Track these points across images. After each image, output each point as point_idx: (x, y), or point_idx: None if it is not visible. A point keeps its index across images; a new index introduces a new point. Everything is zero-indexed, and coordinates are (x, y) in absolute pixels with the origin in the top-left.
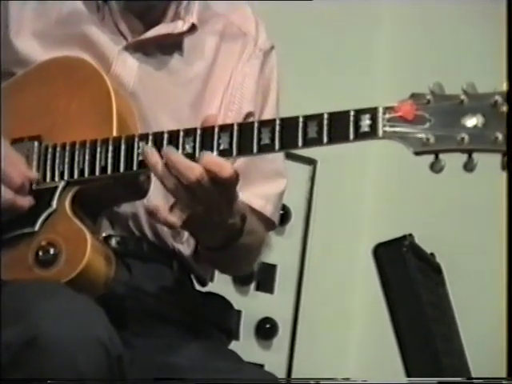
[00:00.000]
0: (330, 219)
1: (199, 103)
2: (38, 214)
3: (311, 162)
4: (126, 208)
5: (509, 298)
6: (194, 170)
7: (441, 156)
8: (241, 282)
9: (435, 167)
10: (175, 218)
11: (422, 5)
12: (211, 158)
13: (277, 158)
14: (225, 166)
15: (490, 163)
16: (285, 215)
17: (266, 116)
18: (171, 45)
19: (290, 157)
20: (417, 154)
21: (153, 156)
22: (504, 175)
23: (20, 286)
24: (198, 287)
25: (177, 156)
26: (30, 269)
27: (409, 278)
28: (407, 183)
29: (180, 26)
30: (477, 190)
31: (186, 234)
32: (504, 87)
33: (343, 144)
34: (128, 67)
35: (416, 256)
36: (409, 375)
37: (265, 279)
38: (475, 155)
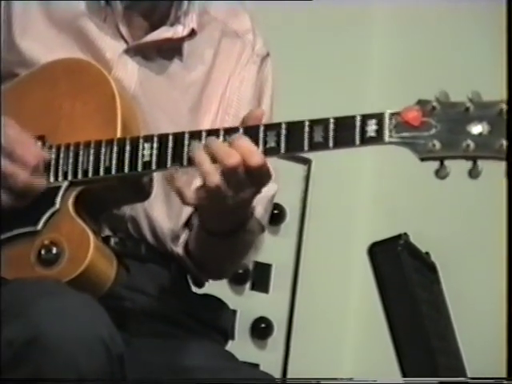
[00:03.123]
0: (325, 218)
1: (197, 107)
2: (41, 213)
3: (306, 161)
4: (124, 210)
5: (509, 297)
6: (233, 156)
7: (446, 163)
8: (236, 281)
9: (440, 174)
10: (193, 196)
11: (420, 5)
12: (244, 143)
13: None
14: (255, 154)
15: (487, 163)
16: (280, 214)
17: None
18: (171, 49)
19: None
20: (422, 160)
21: (201, 153)
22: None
23: (21, 284)
24: (194, 289)
25: (217, 142)
26: (32, 267)
27: (404, 276)
28: (402, 182)
29: (180, 31)
30: (472, 189)
31: (183, 237)
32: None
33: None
34: (129, 71)
35: (411, 255)
36: (404, 374)
37: (260, 279)
38: (480, 162)
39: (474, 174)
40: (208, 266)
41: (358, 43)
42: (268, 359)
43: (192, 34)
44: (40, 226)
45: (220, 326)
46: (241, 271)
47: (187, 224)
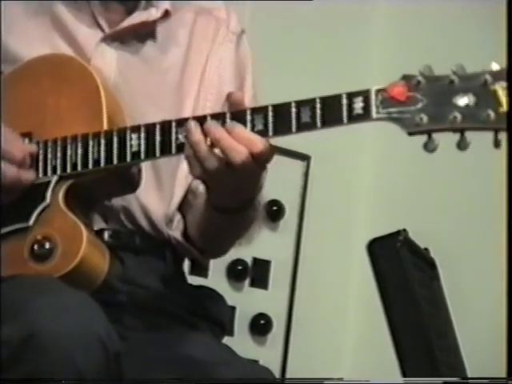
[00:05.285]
0: (324, 215)
1: (179, 89)
2: (32, 209)
3: (305, 157)
4: (117, 201)
5: (509, 296)
6: (240, 153)
7: (434, 136)
8: (235, 278)
9: (428, 147)
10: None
11: (421, 4)
12: (244, 133)
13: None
14: (258, 141)
15: (486, 158)
16: (279, 211)
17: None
18: (147, 33)
19: (283, 153)
20: (410, 134)
21: (196, 133)
22: (504, 171)
23: (17, 282)
24: (190, 280)
25: (220, 132)
26: (26, 263)
27: (403, 272)
28: (401, 178)
29: (154, 13)
30: (471, 186)
31: (176, 221)
32: (492, 67)
33: (338, 139)
34: (107, 60)
35: (410, 251)
36: (403, 371)
37: (259, 275)
38: (468, 134)
39: (462, 145)
40: (209, 246)
41: (357, 33)
42: (267, 355)
43: (166, 15)
44: (32, 221)
45: (216, 317)
46: (240, 268)
47: (180, 208)
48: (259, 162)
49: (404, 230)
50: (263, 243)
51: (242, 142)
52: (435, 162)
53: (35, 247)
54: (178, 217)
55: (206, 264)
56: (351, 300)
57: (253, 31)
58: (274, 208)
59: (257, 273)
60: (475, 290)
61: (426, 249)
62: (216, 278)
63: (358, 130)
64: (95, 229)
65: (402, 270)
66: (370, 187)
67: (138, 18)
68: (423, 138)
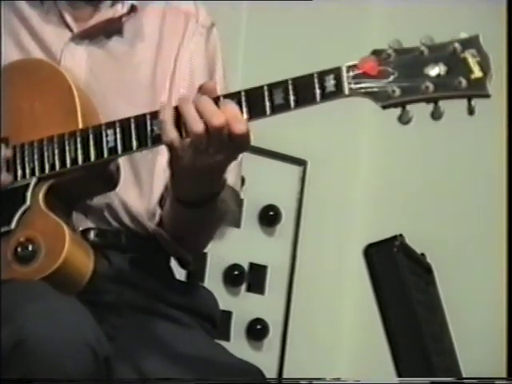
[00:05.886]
0: (321, 220)
1: (152, 85)
2: (13, 212)
3: (301, 162)
4: (99, 200)
5: (509, 299)
6: (219, 117)
7: (408, 108)
8: (232, 282)
9: (403, 119)
10: (174, 134)
11: (421, 5)
12: (231, 108)
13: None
14: (240, 121)
15: (485, 162)
16: (275, 216)
17: None
18: (115, 30)
19: (280, 157)
20: (384, 107)
21: (189, 105)
22: (504, 175)
23: (7, 287)
24: (178, 276)
25: (206, 100)
26: (10, 266)
27: (399, 278)
28: (397, 183)
29: (120, 9)
30: (468, 191)
31: (157, 215)
32: (461, 35)
33: (334, 143)
34: (77, 59)
35: (407, 256)
36: (400, 375)
37: (256, 280)
38: (442, 103)
39: (436, 115)
40: (185, 239)
41: (355, 30)
42: (264, 360)
43: (133, 10)
44: (13, 224)
45: (206, 312)
46: (236, 273)
47: (160, 202)
48: (236, 143)
49: (400, 235)
50: (260, 248)
51: (226, 114)
52: (432, 167)
53: (18, 250)
54: (159, 211)
55: (188, 257)
56: (347, 305)
57: (251, 30)
58: (271, 213)
59: (253, 278)
60: (472, 295)
61: (422, 254)
62: (212, 282)
63: (355, 134)
64: (81, 229)
65: (399, 275)
66: (367, 192)
67: (104, 14)
68: (421, 140)
